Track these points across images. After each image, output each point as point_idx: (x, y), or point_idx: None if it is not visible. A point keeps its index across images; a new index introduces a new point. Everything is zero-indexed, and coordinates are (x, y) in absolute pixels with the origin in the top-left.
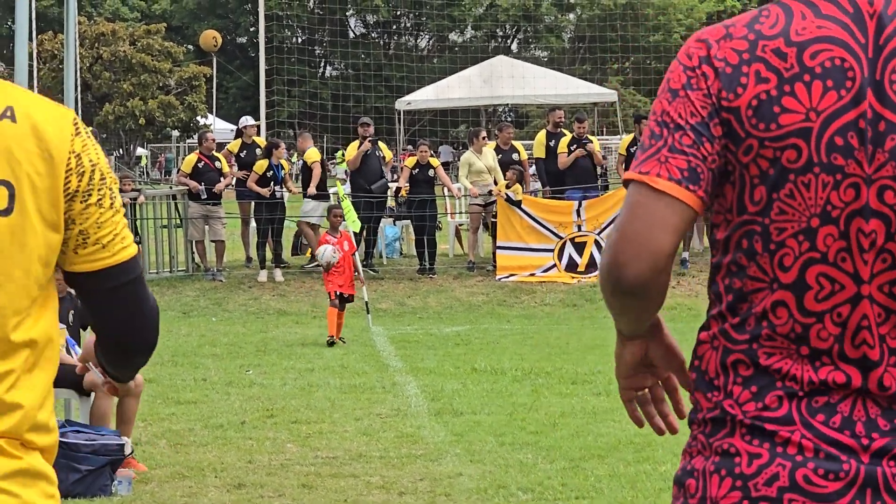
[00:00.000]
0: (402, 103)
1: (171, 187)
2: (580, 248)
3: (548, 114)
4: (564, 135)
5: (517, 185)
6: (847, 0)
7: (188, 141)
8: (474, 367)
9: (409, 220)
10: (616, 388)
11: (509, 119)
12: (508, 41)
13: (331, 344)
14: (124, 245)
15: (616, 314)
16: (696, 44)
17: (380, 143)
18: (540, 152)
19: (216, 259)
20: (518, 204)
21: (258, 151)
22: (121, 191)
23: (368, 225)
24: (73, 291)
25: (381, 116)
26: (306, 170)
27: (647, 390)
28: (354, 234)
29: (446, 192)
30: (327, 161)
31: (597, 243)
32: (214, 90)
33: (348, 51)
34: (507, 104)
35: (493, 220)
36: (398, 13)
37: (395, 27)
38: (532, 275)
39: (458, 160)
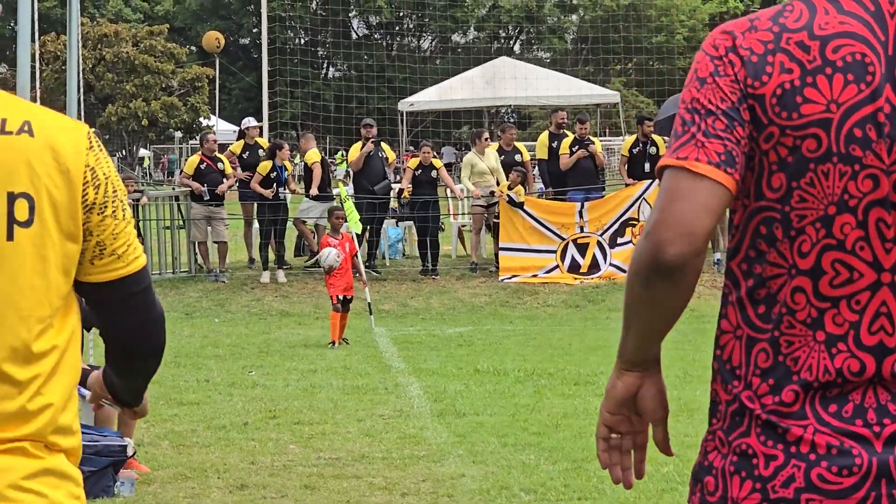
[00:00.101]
0: (404, 104)
1: (173, 188)
2: (583, 249)
3: (550, 115)
4: (567, 136)
5: (519, 187)
6: None
7: (191, 142)
8: (477, 369)
9: (411, 222)
10: None
11: (512, 120)
12: (511, 42)
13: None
14: (136, 255)
15: (635, 315)
16: (721, 35)
17: (382, 144)
18: (543, 153)
19: (219, 260)
20: (520, 205)
21: (261, 152)
22: None
23: (371, 226)
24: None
25: (383, 117)
26: (308, 171)
27: (619, 437)
28: (356, 235)
29: (449, 194)
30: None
31: (599, 244)
32: (217, 91)
33: (351, 52)
34: (510, 105)
35: (495, 221)
36: (401, 14)
37: (397, 28)
38: (535, 276)
39: (462, 161)
